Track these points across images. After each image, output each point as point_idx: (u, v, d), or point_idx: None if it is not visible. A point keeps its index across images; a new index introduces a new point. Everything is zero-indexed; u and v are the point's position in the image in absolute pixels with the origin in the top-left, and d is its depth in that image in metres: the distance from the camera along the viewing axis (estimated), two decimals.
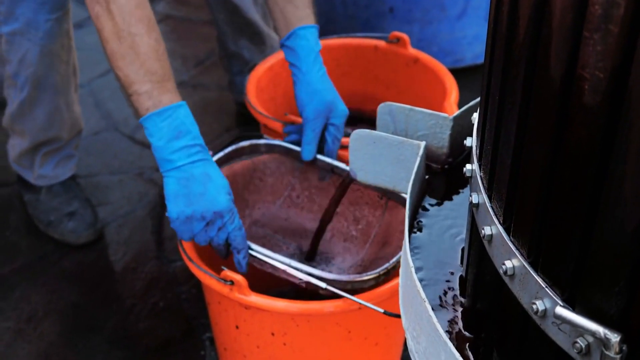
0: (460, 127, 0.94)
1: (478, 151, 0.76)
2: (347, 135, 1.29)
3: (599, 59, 0.51)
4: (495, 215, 0.69)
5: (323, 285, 1.29)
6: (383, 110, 0.97)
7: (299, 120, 1.60)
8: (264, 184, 1.63)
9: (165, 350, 1.75)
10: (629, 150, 0.51)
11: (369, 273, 1.32)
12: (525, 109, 0.61)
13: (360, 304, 1.27)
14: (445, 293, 0.80)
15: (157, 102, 1.27)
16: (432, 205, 0.90)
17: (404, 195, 1.02)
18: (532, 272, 0.62)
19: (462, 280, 0.81)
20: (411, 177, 0.85)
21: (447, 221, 0.88)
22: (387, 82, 2.02)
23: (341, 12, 2.55)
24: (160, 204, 2.12)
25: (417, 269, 0.81)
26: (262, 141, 1.59)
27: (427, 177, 0.93)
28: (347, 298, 1.28)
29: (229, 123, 2.43)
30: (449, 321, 0.78)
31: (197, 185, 1.27)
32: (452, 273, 0.82)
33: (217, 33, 2.27)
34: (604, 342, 0.55)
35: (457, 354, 0.68)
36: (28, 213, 2.07)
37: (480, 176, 0.73)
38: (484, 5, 2.49)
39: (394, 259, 1.33)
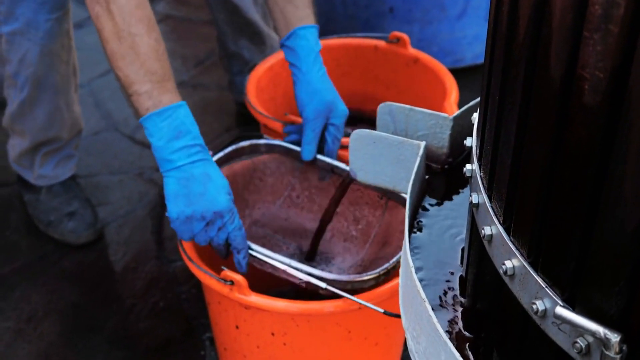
0: (460, 127, 0.94)
1: (478, 151, 0.76)
2: (347, 135, 1.29)
3: (599, 59, 0.51)
4: (495, 215, 0.69)
5: (323, 285, 1.29)
6: (383, 110, 0.97)
7: (299, 120, 1.60)
8: (264, 184, 1.63)
9: (165, 350, 1.75)
10: (629, 150, 0.51)
11: (369, 273, 1.32)
12: (525, 109, 0.61)
13: (360, 304, 1.27)
14: (445, 293, 0.80)
15: (157, 102, 1.27)
16: (432, 205, 0.90)
17: (404, 195, 1.02)
18: (532, 272, 0.62)
19: (462, 280, 0.81)
20: (411, 177, 0.85)
21: (447, 221, 0.88)
22: (387, 82, 2.02)
23: (341, 12, 2.55)
24: (160, 204, 2.12)
25: (417, 269, 0.81)
26: (262, 141, 1.59)
27: (427, 177, 0.93)
28: (347, 298, 1.28)
29: (229, 123, 2.43)
30: (449, 321, 0.78)
31: (197, 185, 1.27)
32: (452, 273, 0.82)
33: (217, 33, 2.27)
34: (604, 342, 0.55)
35: (457, 354, 0.68)
36: (28, 213, 2.07)
37: (480, 176, 0.73)
38: (484, 5, 2.49)
39: (394, 259, 1.33)
